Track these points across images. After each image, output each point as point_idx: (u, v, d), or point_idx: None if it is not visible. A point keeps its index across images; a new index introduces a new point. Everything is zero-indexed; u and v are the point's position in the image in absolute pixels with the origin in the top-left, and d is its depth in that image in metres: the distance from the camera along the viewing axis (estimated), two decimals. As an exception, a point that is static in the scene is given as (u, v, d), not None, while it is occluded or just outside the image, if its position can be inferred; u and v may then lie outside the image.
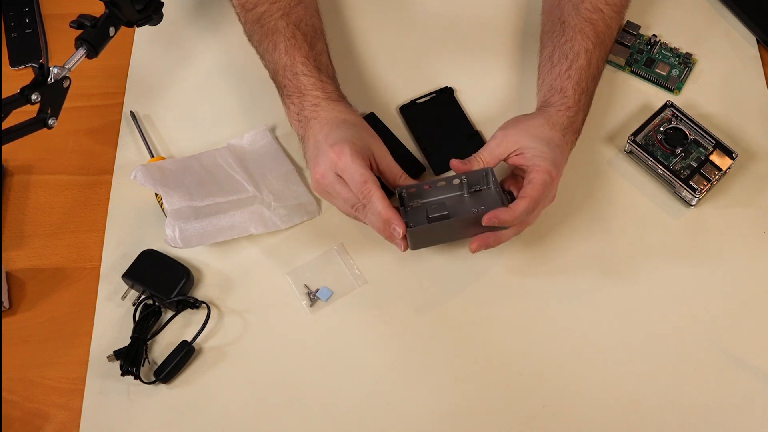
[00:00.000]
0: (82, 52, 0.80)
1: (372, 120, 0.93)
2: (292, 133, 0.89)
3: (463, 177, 0.83)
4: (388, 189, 0.84)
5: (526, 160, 0.82)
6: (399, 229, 0.79)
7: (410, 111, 0.95)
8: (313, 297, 0.85)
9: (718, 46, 0.99)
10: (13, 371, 0.83)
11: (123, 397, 0.81)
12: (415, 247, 0.82)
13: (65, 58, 0.80)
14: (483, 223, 0.78)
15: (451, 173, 0.85)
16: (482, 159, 0.84)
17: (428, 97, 0.95)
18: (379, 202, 0.79)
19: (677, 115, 0.91)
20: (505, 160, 0.84)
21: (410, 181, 0.84)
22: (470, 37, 1.01)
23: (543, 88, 0.89)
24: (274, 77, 0.91)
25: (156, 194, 0.90)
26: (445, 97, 0.95)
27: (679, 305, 0.84)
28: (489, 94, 0.97)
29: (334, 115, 0.84)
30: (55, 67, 0.78)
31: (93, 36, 0.80)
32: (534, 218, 0.83)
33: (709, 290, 0.84)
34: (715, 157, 0.88)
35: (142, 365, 0.82)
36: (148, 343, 0.83)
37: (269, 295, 0.86)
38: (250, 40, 0.94)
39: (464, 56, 0.99)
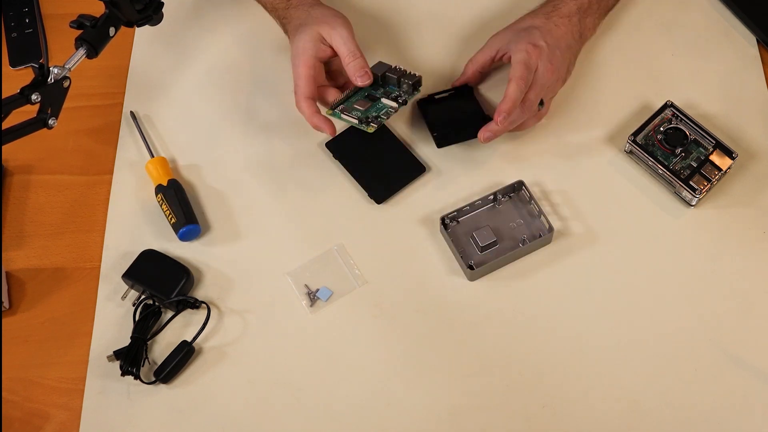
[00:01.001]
0: (82, 52, 0.80)
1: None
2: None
3: (498, 193, 0.87)
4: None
5: (508, 51, 0.88)
6: (328, 132, 0.87)
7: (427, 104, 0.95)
8: (313, 297, 0.85)
9: (718, 46, 0.99)
10: (13, 371, 0.83)
11: (123, 397, 0.81)
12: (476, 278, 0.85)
13: (65, 58, 0.80)
14: (488, 133, 0.86)
15: (482, 193, 0.88)
16: (473, 61, 0.92)
17: (446, 93, 0.95)
18: (304, 111, 0.87)
19: (677, 115, 0.91)
20: (495, 61, 0.91)
21: (356, 58, 0.87)
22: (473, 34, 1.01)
23: None
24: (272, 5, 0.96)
25: (156, 194, 0.90)
26: (464, 91, 0.95)
27: (679, 305, 0.84)
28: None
29: (296, 24, 0.91)
30: (55, 67, 0.78)
31: (93, 36, 0.80)
32: (540, 98, 0.87)
33: (709, 290, 0.84)
34: (715, 157, 0.88)
35: (142, 365, 0.82)
36: (148, 343, 0.83)
37: (269, 295, 0.86)
38: None
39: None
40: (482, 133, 0.87)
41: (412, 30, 1.02)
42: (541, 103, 0.88)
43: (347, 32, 0.88)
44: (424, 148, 0.93)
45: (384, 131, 0.93)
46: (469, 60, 0.93)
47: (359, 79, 0.88)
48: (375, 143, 0.91)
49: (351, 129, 0.91)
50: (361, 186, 0.90)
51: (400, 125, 0.94)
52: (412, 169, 0.91)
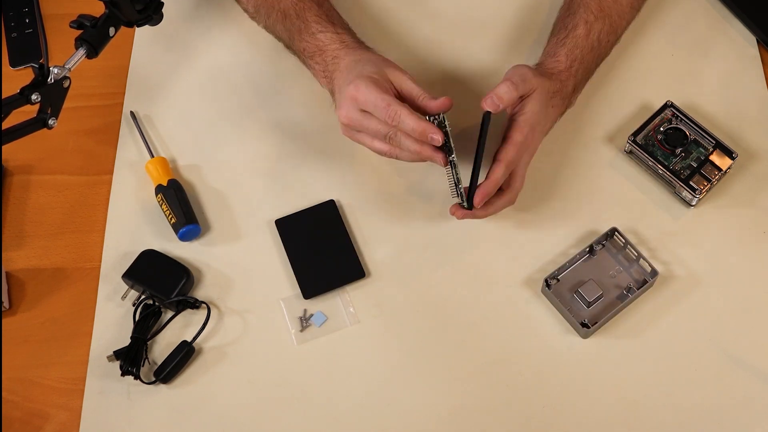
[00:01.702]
0: (82, 52, 0.80)
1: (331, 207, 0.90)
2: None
3: (593, 244, 0.85)
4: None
5: (517, 115, 0.83)
6: (437, 137, 0.78)
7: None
8: (305, 322, 0.85)
9: (718, 46, 0.99)
10: (13, 371, 0.83)
11: (123, 397, 0.81)
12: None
13: (65, 58, 0.80)
14: (459, 215, 0.83)
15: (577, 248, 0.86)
16: (507, 90, 0.81)
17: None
18: (408, 118, 0.78)
19: (677, 115, 0.91)
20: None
21: (431, 100, 0.81)
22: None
23: (542, 55, 0.91)
24: (290, 45, 0.92)
25: (156, 194, 0.90)
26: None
27: (679, 305, 0.84)
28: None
29: (351, 60, 0.85)
30: (55, 67, 0.78)
31: (93, 36, 0.80)
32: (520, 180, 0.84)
33: (709, 290, 0.84)
34: (715, 157, 0.88)
35: (142, 365, 0.82)
36: (148, 343, 0.83)
37: (269, 295, 0.86)
38: (257, 18, 0.95)
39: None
40: (459, 212, 0.83)
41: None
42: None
43: (412, 78, 0.83)
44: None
45: (338, 223, 0.88)
46: (503, 85, 0.82)
47: (442, 106, 0.80)
48: (324, 233, 0.88)
49: (306, 212, 0.89)
50: (294, 274, 0.86)
51: (356, 219, 0.90)
52: (351, 272, 0.86)
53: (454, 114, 0.82)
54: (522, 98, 0.84)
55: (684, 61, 0.98)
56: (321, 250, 0.87)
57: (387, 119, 0.78)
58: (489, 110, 0.81)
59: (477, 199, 0.81)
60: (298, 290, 0.86)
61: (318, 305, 0.85)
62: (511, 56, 0.99)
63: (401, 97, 0.82)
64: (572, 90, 0.88)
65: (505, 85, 0.81)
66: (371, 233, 0.89)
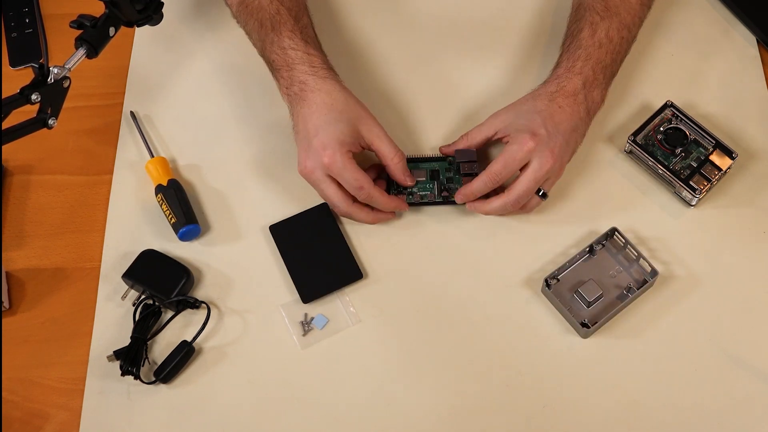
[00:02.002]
0: (82, 52, 0.80)
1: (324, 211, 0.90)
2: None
3: (593, 244, 0.85)
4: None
5: (507, 138, 0.85)
6: (403, 207, 0.87)
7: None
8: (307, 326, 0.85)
9: (718, 46, 0.99)
10: (13, 371, 0.83)
11: (123, 397, 0.81)
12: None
13: (65, 58, 0.80)
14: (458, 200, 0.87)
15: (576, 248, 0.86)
16: (468, 137, 0.89)
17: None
18: (380, 199, 0.85)
19: (677, 115, 0.91)
20: (491, 140, 0.88)
21: (401, 158, 0.86)
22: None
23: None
24: (263, 53, 0.92)
25: (156, 194, 0.90)
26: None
27: (679, 305, 0.84)
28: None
29: (321, 99, 0.85)
30: (55, 67, 0.78)
31: (93, 36, 0.80)
32: (527, 191, 0.83)
33: (709, 290, 0.84)
34: (715, 157, 0.88)
35: (142, 365, 0.82)
36: (148, 343, 0.83)
37: (269, 295, 0.86)
38: (238, 21, 0.96)
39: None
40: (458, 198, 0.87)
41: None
42: (544, 195, 0.85)
43: (383, 130, 0.86)
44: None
45: (332, 226, 0.88)
46: (465, 134, 0.89)
47: (408, 179, 0.87)
48: (319, 236, 0.88)
49: (299, 216, 0.89)
50: (292, 279, 0.86)
51: (351, 222, 0.89)
52: (348, 274, 0.86)
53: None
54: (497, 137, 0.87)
55: (684, 61, 0.98)
56: (317, 254, 0.87)
57: (359, 197, 0.84)
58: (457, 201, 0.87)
59: (458, 196, 0.86)
60: (297, 294, 0.85)
61: (318, 309, 0.85)
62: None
63: (371, 150, 0.86)
64: (582, 86, 0.86)
65: (459, 141, 0.89)
66: (366, 235, 0.88)
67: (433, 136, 0.94)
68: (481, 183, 0.84)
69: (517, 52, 0.99)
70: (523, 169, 0.83)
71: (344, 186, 0.84)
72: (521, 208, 0.85)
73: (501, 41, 1.00)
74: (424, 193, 0.89)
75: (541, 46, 0.99)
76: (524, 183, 0.83)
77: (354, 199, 0.85)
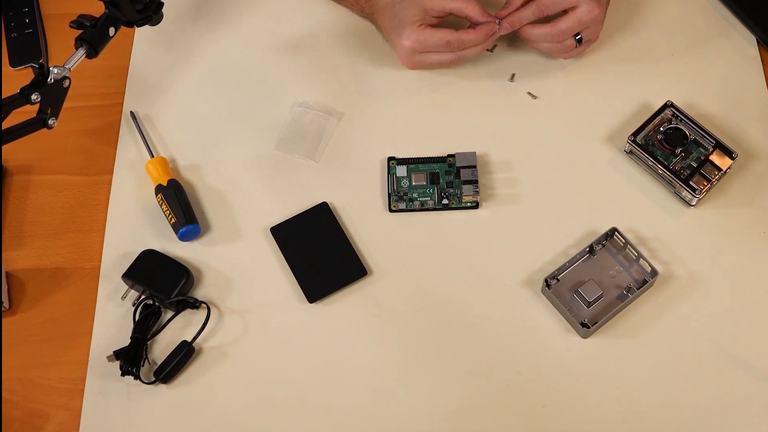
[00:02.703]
0: (82, 52, 0.80)
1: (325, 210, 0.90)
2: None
3: (593, 244, 0.85)
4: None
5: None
6: (500, 27, 0.91)
7: None
8: None
9: (718, 46, 0.99)
10: (13, 371, 0.83)
11: (123, 397, 0.81)
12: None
13: (65, 58, 0.80)
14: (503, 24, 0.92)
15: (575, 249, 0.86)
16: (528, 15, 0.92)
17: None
18: (469, 36, 0.91)
19: (677, 115, 0.91)
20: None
21: (475, 3, 0.91)
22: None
23: None
24: None
25: (156, 194, 0.90)
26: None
27: (679, 305, 0.84)
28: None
29: (384, 2, 0.93)
30: (55, 67, 0.78)
31: (93, 36, 0.80)
32: (568, 28, 0.91)
33: (709, 290, 0.84)
34: (715, 157, 0.88)
35: (142, 365, 0.82)
36: (148, 343, 0.83)
37: (269, 295, 0.86)
38: None
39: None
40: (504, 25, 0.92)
41: None
42: (580, 40, 0.92)
43: None
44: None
45: (333, 225, 0.88)
46: None
47: (487, 17, 0.91)
48: (321, 236, 0.88)
49: (299, 216, 0.89)
50: (296, 279, 0.86)
51: (351, 220, 0.90)
52: (353, 271, 0.86)
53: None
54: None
55: (684, 61, 0.98)
56: (320, 253, 0.87)
57: (453, 50, 0.91)
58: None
59: (504, 24, 0.91)
60: (300, 293, 0.85)
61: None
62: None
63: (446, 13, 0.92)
64: None
65: (528, 10, 0.92)
66: (368, 233, 0.89)
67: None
68: (529, 12, 0.91)
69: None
70: (569, 11, 0.90)
71: (434, 50, 0.92)
72: (560, 49, 0.94)
73: None
74: (424, 199, 0.89)
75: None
76: (570, 21, 0.91)
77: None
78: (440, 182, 0.90)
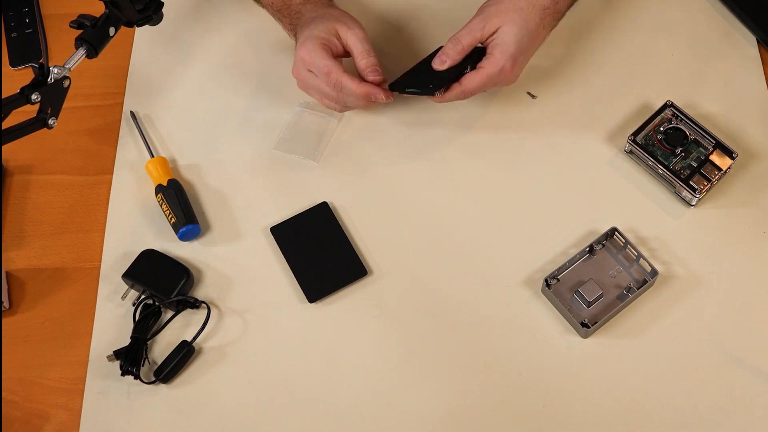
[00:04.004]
0: (82, 52, 0.80)
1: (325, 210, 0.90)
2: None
3: (593, 244, 0.85)
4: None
5: (492, 45, 0.86)
6: (380, 96, 0.86)
7: None
8: None
9: (718, 46, 0.99)
10: (13, 371, 0.83)
11: (123, 397, 0.81)
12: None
13: (65, 58, 0.80)
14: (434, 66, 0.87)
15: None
16: (460, 40, 0.86)
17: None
18: (349, 84, 0.85)
19: (677, 115, 0.91)
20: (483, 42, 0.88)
21: (372, 57, 0.87)
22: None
23: None
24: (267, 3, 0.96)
25: (156, 194, 0.90)
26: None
27: (679, 305, 0.84)
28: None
29: (309, 17, 0.90)
30: (55, 67, 0.78)
31: (93, 36, 0.80)
32: (477, 89, 0.87)
33: (709, 290, 0.84)
34: (715, 157, 0.88)
35: (142, 365, 0.82)
36: (148, 343, 0.83)
37: (269, 295, 0.86)
38: None
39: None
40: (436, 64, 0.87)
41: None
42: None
43: (363, 33, 0.88)
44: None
45: (334, 225, 0.88)
46: (456, 39, 0.87)
47: (370, 74, 0.87)
48: (321, 236, 0.88)
49: (300, 216, 0.89)
50: (297, 279, 0.86)
51: (351, 220, 0.90)
52: (353, 271, 0.86)
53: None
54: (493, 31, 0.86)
55: (684, 61, 0.98)
56: (320, 253, 0.87)
57: (330, 85, 0.86)
58: (438, 69, 0.87)
59: (435, 60, 0.86)
60: (300, 293, 0.86)
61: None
62: None
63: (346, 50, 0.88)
64: (565, 10, 0.90)
65: (450, 43, 0.86)
66: (368, 233, 0.89)
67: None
68: (453, 95, 0.87)
69: None
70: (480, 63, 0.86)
71: (319, 76, 0.86)
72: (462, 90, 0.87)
73: None
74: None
75: None
76: (479, 79, 0.86)
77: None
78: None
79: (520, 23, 0.86)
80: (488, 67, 0.86)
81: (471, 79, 0.86)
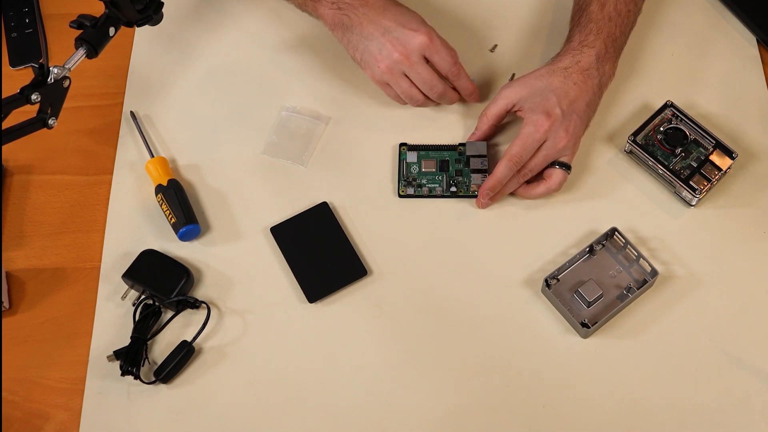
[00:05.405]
0: (82, 52, 0.80)
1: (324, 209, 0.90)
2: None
3: (593, 244, 0.85)
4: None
5: (522, 114, 0.87)
6: (478, 95, 0.93)
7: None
8: None
9: (718, 46, 0.99)
10: (13, 371, 0.83)
11: (123, 397, 0.81)
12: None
13: (65, 58, 0.80)
14: (478, 204, 0.88)
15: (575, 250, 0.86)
16: (487, 115, 0.89)
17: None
18: (466, 79, 0.91)
19: (677, 115, 0.91)
20: (509, 113, 0.89)
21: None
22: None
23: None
24: None
25: (156, 194, 0.90)
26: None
27: (679, 305, 0.84)
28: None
29: (382, 4, 0.88)
30: (55, 67, 0.78)
31: (93, 36, 0.80)
32: (536, 165, 0.87)
33: (709, 290, 0.84)
34: (715, 157, 0.88)
35: (142, 365, 0.82)
36: (148, 343, 0.83)
37: (269, 295, 0.86)
38: None
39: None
40: (478, 203, 0.88)
41: None
42: (568, 168, 0.87)
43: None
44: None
45: (333, 225, 0.88)
46: (482, 114, 0.90)
47: (471, 97, 0.92)
48: (321, 236, 0.88)
49: (299, 216, 0.89)
50: (297, 279, 0.86)
51: (351, 220, 0.90)
52: (353, 271, 0.86)
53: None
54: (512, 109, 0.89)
55: (684, 61, 0.98)
56: (320, 253, 0.87)
57: (450, 71, 0.88)
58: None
59: (481, 199, 0.87)
60: (300, 293, 0.85)
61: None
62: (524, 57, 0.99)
63: None
64: (595, 60, 0.88)
65: (479, 122, 0.90)
66: (368, 233, 0.89)
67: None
68: (504, 168, 0.85)
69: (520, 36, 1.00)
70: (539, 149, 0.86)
71: (439, 63, 0.88)
72: (547, 186, 0.87)
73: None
74: (432, 186, 0.90)
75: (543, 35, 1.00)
76: (536, 159, 0.86)
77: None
78: (449, 170, 0.91)
79: (542, 83, 0.86)
80: (522, 128, 0.86)
81: (511, 144, 0.86)
